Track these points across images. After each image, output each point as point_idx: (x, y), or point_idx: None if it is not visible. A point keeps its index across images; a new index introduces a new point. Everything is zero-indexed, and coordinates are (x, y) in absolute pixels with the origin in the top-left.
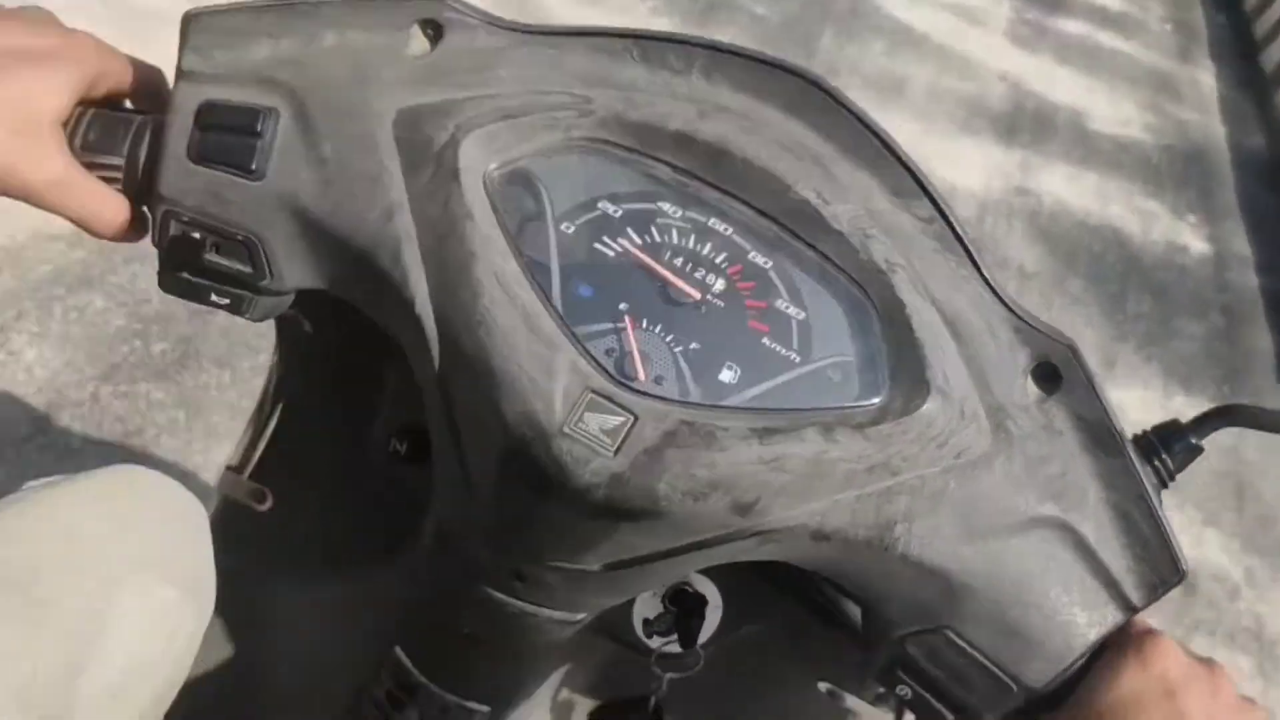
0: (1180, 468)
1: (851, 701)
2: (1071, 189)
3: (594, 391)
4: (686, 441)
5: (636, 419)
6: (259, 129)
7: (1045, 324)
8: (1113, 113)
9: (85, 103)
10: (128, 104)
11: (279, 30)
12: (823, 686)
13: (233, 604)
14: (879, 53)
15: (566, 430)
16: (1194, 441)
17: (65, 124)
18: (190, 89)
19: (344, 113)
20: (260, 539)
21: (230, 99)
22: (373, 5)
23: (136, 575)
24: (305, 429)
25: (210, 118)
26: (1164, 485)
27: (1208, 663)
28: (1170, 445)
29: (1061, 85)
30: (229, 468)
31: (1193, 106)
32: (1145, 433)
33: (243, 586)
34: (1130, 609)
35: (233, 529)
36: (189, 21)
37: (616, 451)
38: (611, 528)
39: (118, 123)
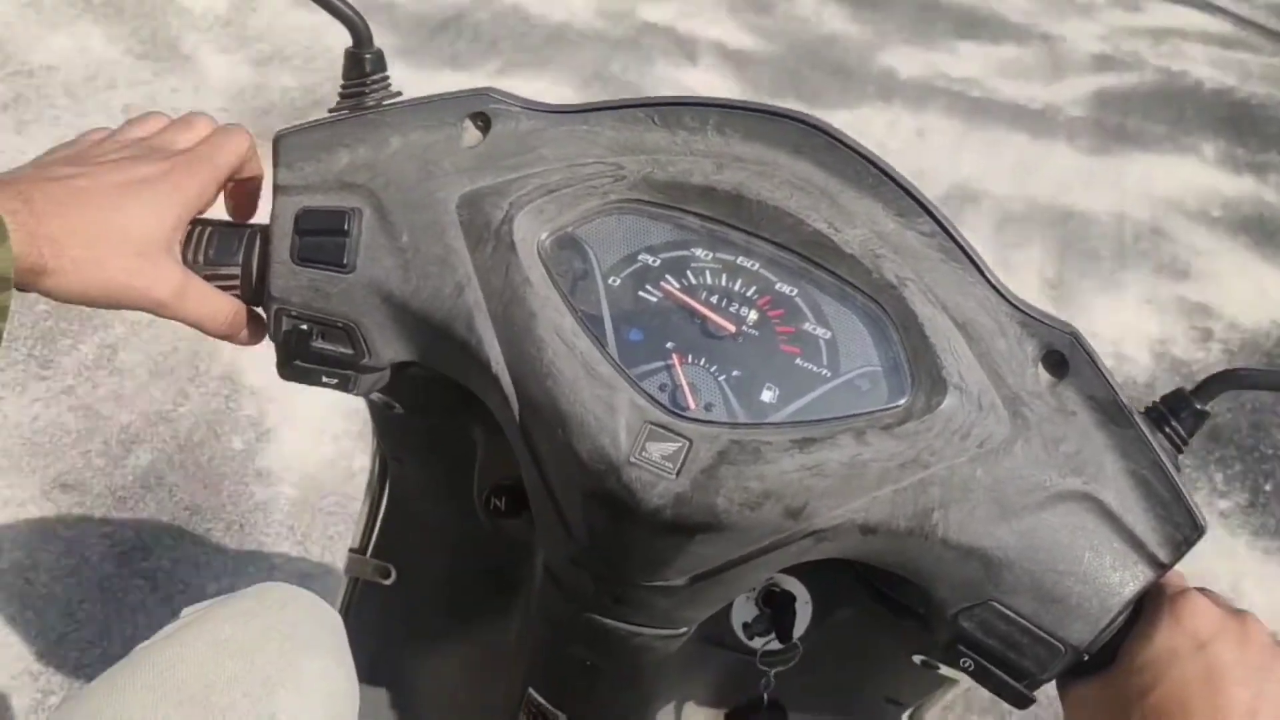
0: (1191, 432)
1: (946, 670)
2: None
3: (652, 423)
4: (737, 458)
5: (691, 443)
6: (346, 228)
7: (1048, 315)
8: None
9: (197, 221)
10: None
11: (353, 140)
12: (916, 659)
13: (377, 673)
14: None
15: (633, 460)
16: (1199, 407)
17: (184, 241)
18: (287, 200)
19: (414, 205)
20: (391, 611)
21: (320, 204)
22: (429, 106)
23: (291, 676)
24: (413, 503)
25: (306, 223)
26: (1179, 450)
27: (1239, 614)
28: (1178, 413)
29: None
30: (352, 550)
31: None
32: (1155, 404)
33: (383, 656)
34: (1159, 566)
35: (366, 606)
36: (279, 141)
37: (678, 473)
38: (684, 543)
39: (230, 236)
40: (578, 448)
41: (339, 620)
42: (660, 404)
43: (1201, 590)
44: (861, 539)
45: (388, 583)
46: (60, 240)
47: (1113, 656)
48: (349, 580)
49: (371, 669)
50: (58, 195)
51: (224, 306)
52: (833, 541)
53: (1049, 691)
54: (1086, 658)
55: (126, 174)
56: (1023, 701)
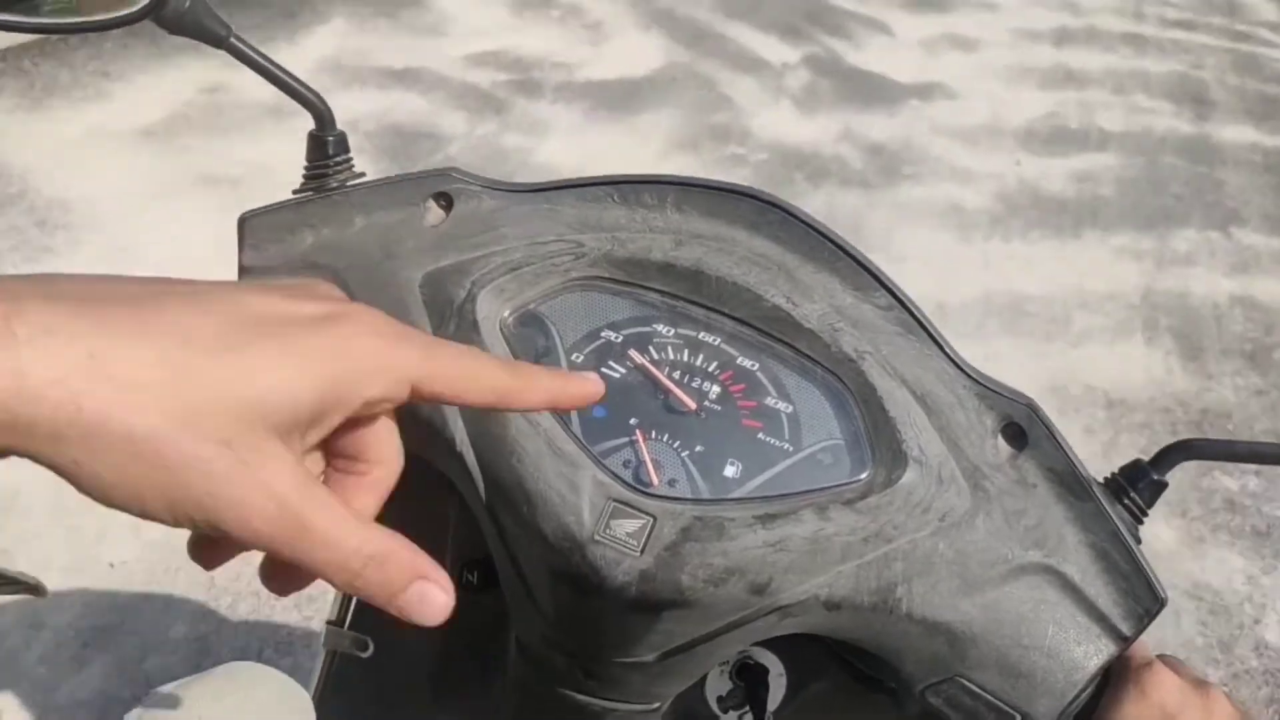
0: (1150, 503)
1: None
2: None
3: (615, 500)
4: (700, 535)
5: (655, 520)
6: None
7: (1006, 387)
8: None
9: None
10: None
11: (318, 220)
12: None
13: None
14: None
15: (597, 537)
16: (1157, 478)
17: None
18: (253, 282)
19: (378, 284)
20: (369, 684)
21: None
22: (392, 186)
23: None
24: None
25: None
26: (1139, 521)
27: (1203, 685)
28: (1136, 483)
29: None
30: (329, 622)
31: None
32: (1112, 475)
33: None
34: (1122, 639)
35: (344, 679)
36: (244, 223)
37: (642, 550)
38: (650, 619)
39: None
40: (542, 526)
41: (308, 700)
42: (624, 481)
43: (1165, 660)
44: (826, 614)
45: (366, 655)
46: (102, 355)
47: None
48: (326, 653)
49: None
50: (116, 311)
51: None
52: (798, 617)
53: None
54: None
55: (277, 307)
56: None
